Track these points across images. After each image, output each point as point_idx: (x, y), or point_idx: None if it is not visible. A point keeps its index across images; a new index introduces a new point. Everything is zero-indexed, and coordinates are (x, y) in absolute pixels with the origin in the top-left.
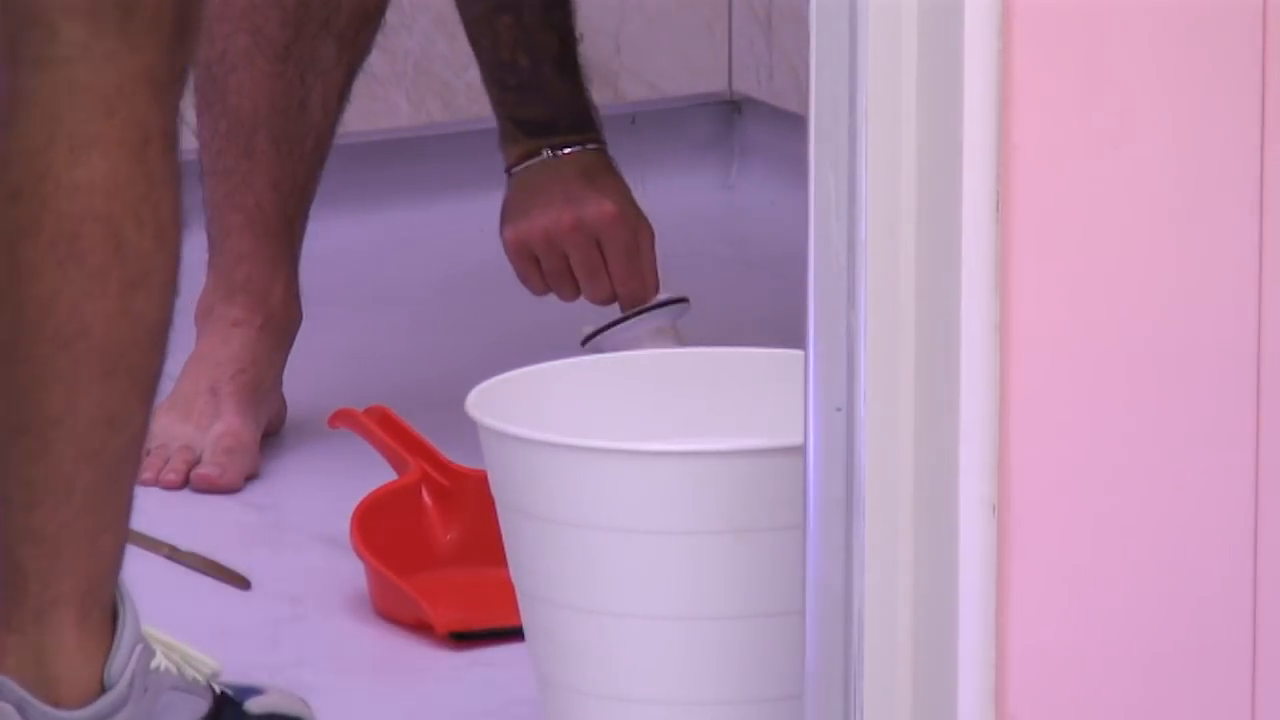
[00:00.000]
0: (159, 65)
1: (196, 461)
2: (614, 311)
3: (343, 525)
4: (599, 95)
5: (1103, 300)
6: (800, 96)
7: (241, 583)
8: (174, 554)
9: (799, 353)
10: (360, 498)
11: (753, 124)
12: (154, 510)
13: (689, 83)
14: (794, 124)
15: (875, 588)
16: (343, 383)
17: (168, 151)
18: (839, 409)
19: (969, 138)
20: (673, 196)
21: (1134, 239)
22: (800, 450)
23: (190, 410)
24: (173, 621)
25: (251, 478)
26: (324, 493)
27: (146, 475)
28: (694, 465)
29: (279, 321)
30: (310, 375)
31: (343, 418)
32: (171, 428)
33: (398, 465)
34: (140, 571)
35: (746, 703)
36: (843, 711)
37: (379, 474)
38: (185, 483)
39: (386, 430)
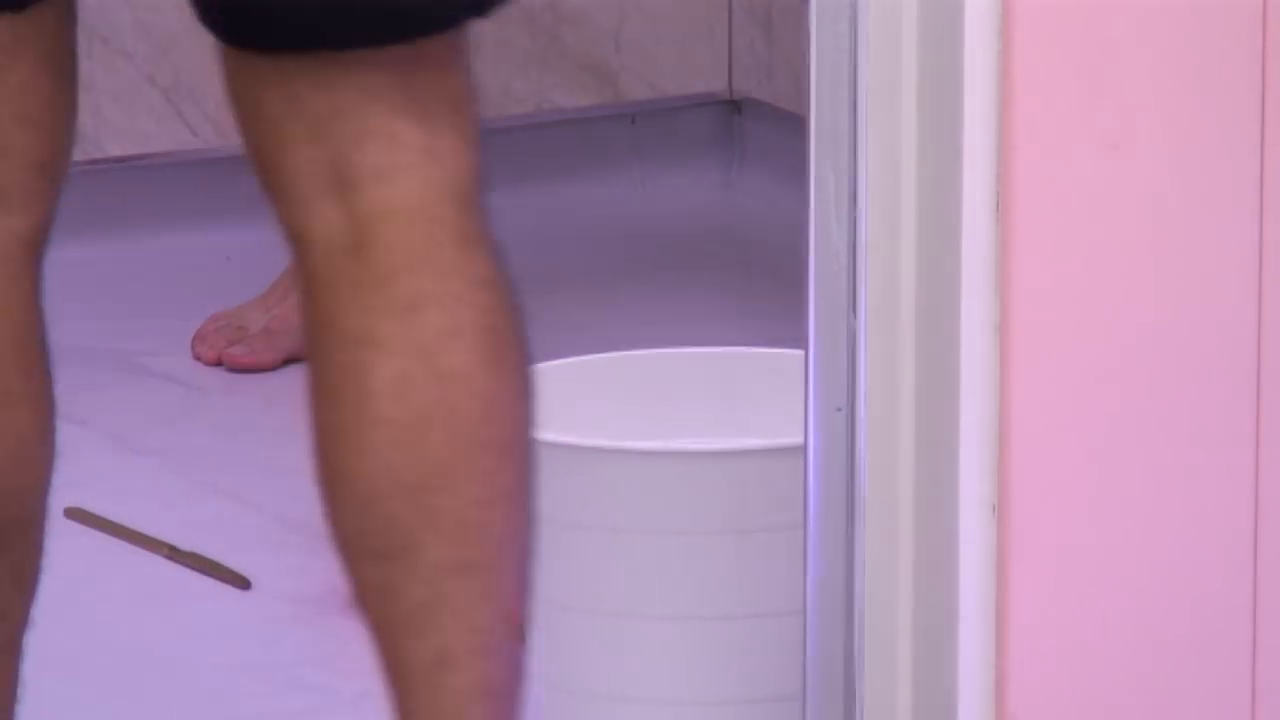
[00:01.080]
0: (478, 162)
1: (239, 341)
2: None
3: None
4: (599, 95)
5: (1102, 300)
6: (800, 96)
7: (241, 583)
8: (174, 554)
9: (799, 353)
10: None
11: (753, 124)
12: (154, 510)
13: (689, 83)
14: (794, 124)
15: (875, 588)
16: None
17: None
18: (839, 409)
19: (969, 138)
20: (673, 196)
21: (1134, 239)
22: (800, 450)
23: (270, 294)
24: (173, 621)
25: (293, 360)
26: None
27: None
28: (694, 465)
29: None
30: None
31: None
32: (244, 309)
33: None
34: (140, 571)
35: (747, 703)
36: (843, 711)
37: None
38: (219, 360)
39: None
